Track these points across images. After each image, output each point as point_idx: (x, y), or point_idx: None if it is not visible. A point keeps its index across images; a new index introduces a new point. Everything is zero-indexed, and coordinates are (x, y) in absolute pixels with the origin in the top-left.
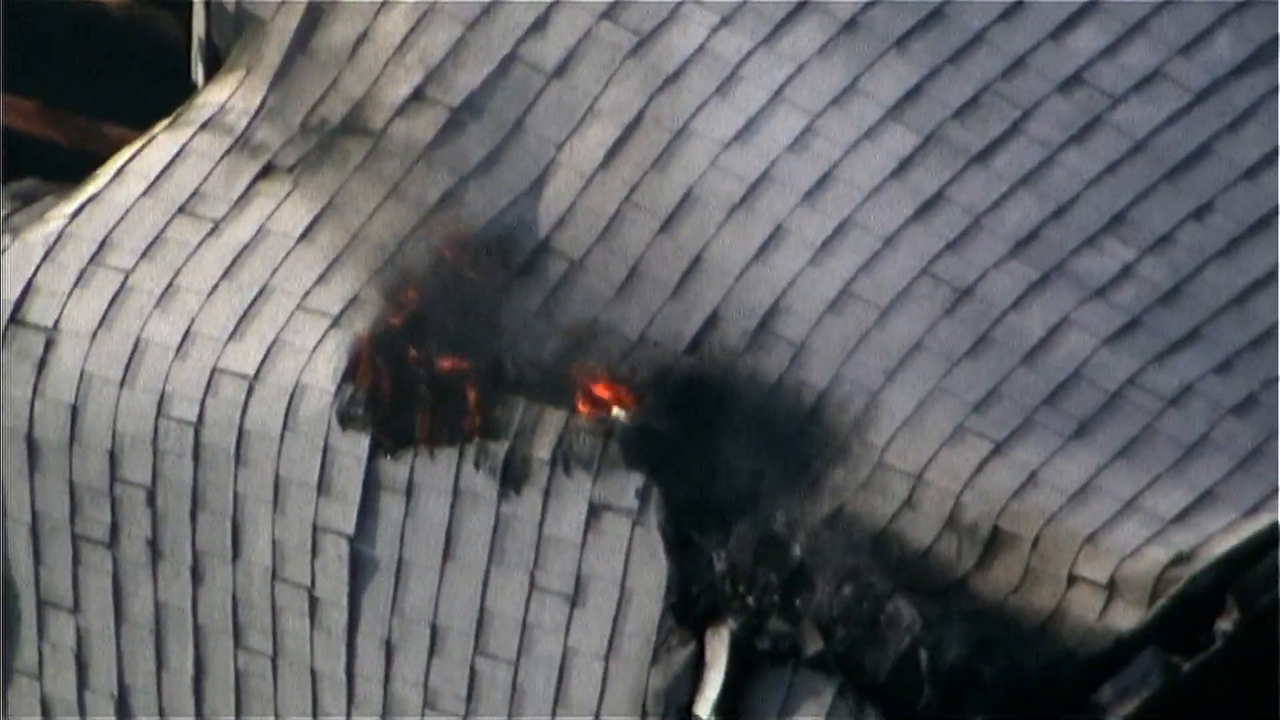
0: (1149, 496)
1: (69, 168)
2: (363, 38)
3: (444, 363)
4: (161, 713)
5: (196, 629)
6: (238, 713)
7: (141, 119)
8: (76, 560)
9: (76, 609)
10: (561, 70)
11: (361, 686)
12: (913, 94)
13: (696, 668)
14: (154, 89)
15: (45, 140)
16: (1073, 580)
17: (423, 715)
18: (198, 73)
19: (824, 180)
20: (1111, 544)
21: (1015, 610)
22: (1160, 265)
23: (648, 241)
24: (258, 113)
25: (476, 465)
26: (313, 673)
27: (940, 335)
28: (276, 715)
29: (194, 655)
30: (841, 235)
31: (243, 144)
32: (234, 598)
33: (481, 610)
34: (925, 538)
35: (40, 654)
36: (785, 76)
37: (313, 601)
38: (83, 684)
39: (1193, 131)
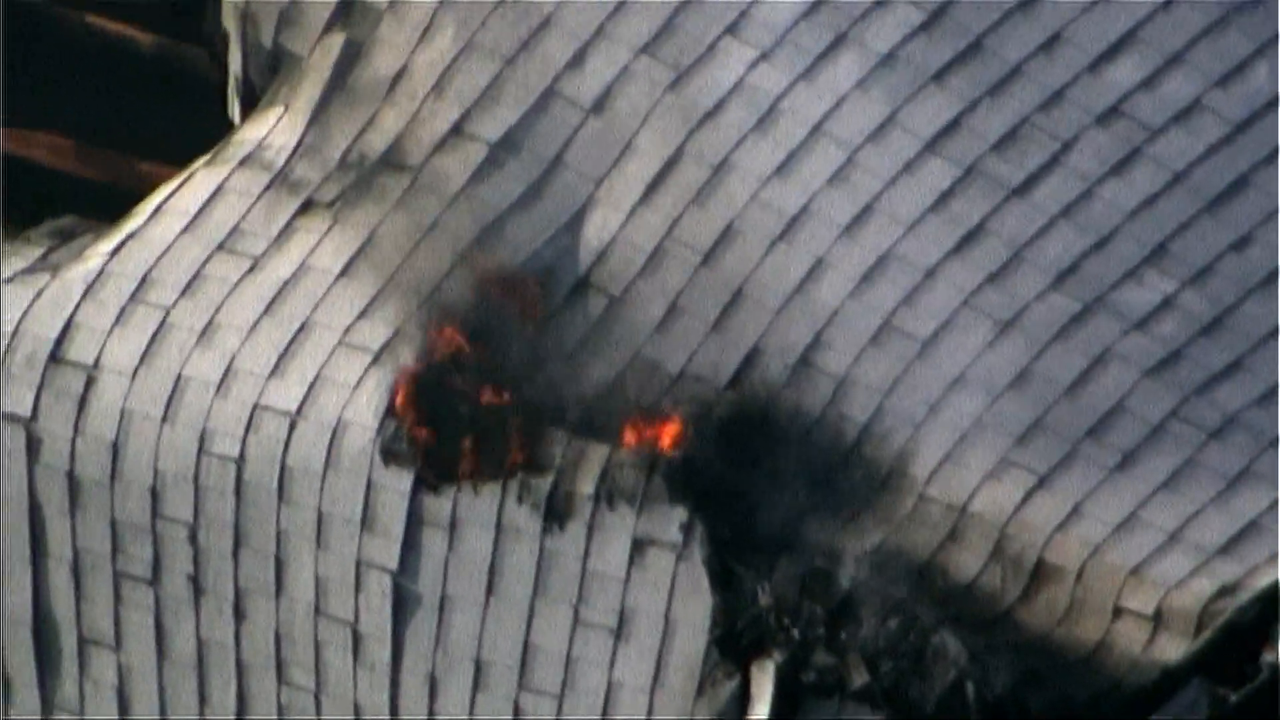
0: (1193, 528)
1: (104, 205)
2: (400, 74)
3: (486, 396)
4: None
5: (239, 665)
6: None
7: (175, 156)
8: (118, 597)
9: (118, 646)
10: (600, 106)
11: None
12: (951, 127)
13: (741, 701)
14: (187, 126)
15: (80, 177)
16: (1118, 612)
17: None
18: (234, 110)
19: (864, 213)
20: (1156, 576)
21: (1061, 642)
22: (1200, 297)
23: (688, 276)
24: (296, 149)
25: (519, 500)
26: (356, 707)
27: (982, 368)
28: None
29: (236, 691)
30: (882, 268)
31: (281, 180)
32: (277, 633)
33: (525, 645)
34: (969, 570)
35: (81, 691)
36: (824, 111)
37: (356, 637)
38: None
39: (1231, 163)
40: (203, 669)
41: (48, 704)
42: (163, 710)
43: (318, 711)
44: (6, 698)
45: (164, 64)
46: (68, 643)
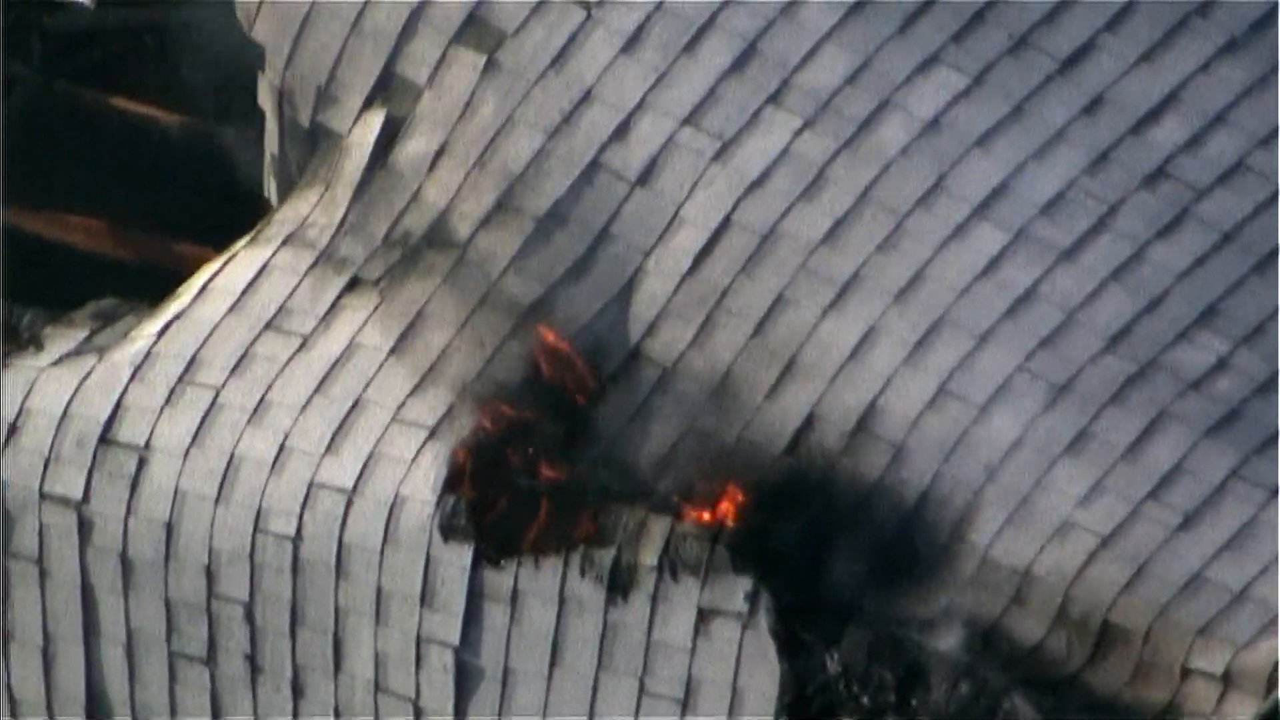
0: (1259, 586)
1: (139, 286)
2: (442, 150)
3: (545, 470)
4: None
5: None
6: None
7: (208, 236)
8: (173, 677)
9: None
10: (645, 178)
11: None
12: (999, 191)
13: None
14: (217, 206)
15: (115, 260)
16: (1186, 673)
17: None
18: (270, 188)
19: (915, 280)
20: (1225, 635)
21: (1130, 704)
22: (1254, 356)
23: (740, 346)
24: (340, 227)
25: (582, 573)
26: None
27: (1040, 431)
28: None
29: None
30: (935, 334)
31: (326, 259)
32: (336, 710)
33: (591, 717)
34: (1035, 633)
35: None
36: (871, 177)
37: (418, 712)
38: None
39: (1277, 222)
40: None
41: None
42: None
43: None
44: None
45: (191, 144)
46: None
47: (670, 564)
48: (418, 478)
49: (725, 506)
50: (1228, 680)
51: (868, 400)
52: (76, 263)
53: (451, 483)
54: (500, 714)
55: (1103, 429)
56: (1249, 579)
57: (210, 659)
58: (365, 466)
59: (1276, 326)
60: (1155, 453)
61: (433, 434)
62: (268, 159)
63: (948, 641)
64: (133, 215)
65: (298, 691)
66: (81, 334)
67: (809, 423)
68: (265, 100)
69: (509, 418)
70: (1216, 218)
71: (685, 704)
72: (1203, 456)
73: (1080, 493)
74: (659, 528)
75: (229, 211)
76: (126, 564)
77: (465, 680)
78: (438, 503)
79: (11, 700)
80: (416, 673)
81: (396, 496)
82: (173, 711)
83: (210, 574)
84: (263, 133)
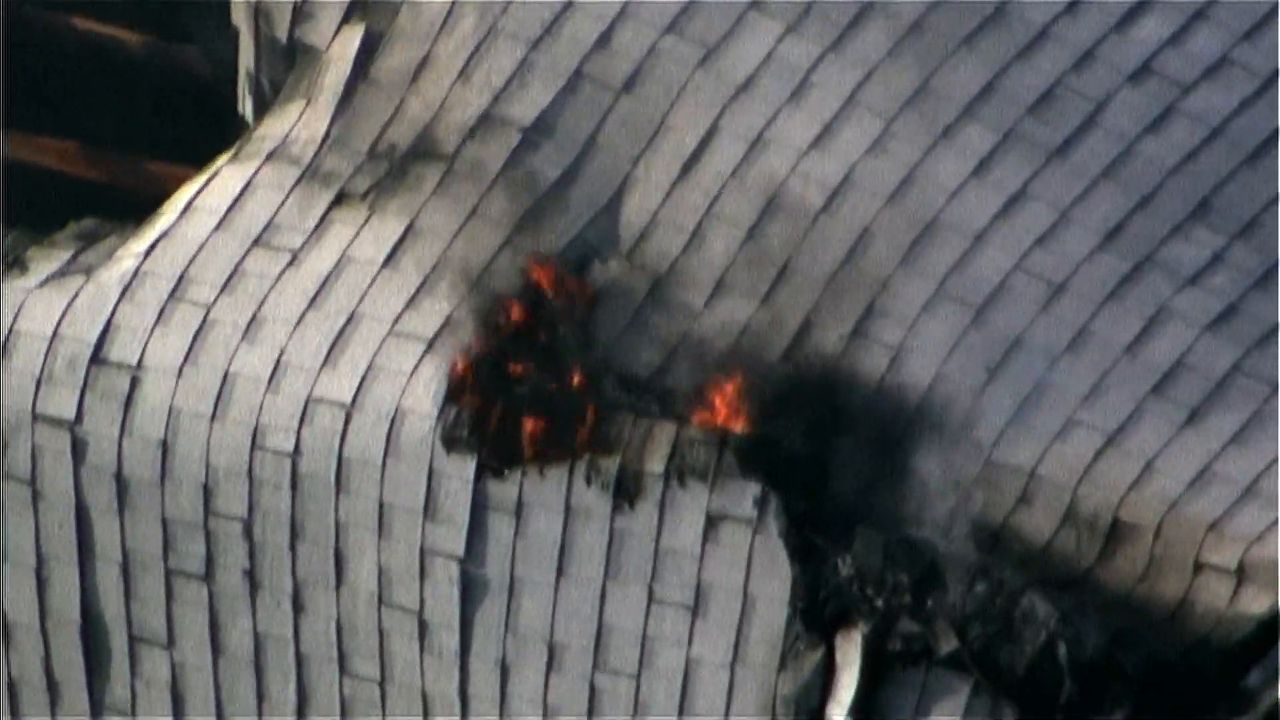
0: (1267, 480)
1: (112, 206)
2: (424, 62)
3: (547, 381)
4: None
5: (299, 658)
6: None
7: (176, 156)
8: (170, 595)
9: (171, 644)
10: (630, 85)
11: (476, 707)
12: (986, 92)
13: (826, 673)
14: (185, 125)
15: (87, 180)
16: (1199, 568)
17: None
18: (245, 106)
19: (906, 182)
20: (1236, 530)
21: (1143, 600)
22: (1249, 250)
23: (733, 252)
24: (324, 142)
25: (588, 481)
26: (424, 695)
27: (1040, 330)
28: None
29: (296, 684)
30: (929, 235)
31: (312, 174)
32: (338, 625)
33: (600, 626)
34: (1044, 533)
35: (133, 691)
36: (857, 81)
37: (422, 625)
38: (179, 718)
39: (1266, 116)
40: (260, 663)
41: (97, 705)
42: (219, 707)
43: (383, 701)
44: (54, 701)
45: (154, 63)
46: (117, 643)
47: (678, 470)
48: (418, 390)
49: (730, 412)
50: (1241, 574)
51: (864, 304)
52: (49, 185)
53: (452, 394)
54: (507, 625)
55: (1102, 327)
56: (1257, 473)
57: (208, 575)
58: (363, 380)
59: (1269, 220)
60: (1156, 349)
61: (431, 346)
62: (242, 76)
63: (956, 542)
64: (100, 136)
65: (298, 606)
66: (66, 255)
67: (806, 327)
68: (240, 17)
69: (507, 328)
70: (1203, 113)
71: (695, 610)
72: (1204, 352)
73: (1083, 391)
74: (665, 434)
75: (194, 130)
76: (121, 483)
77: (471, 591)
78: (439, 415)
79: (5, 624)
80: (421, 585)
81: (397, 409)
82: (170, 628)
83: (207, 491)
84: (222, 51)
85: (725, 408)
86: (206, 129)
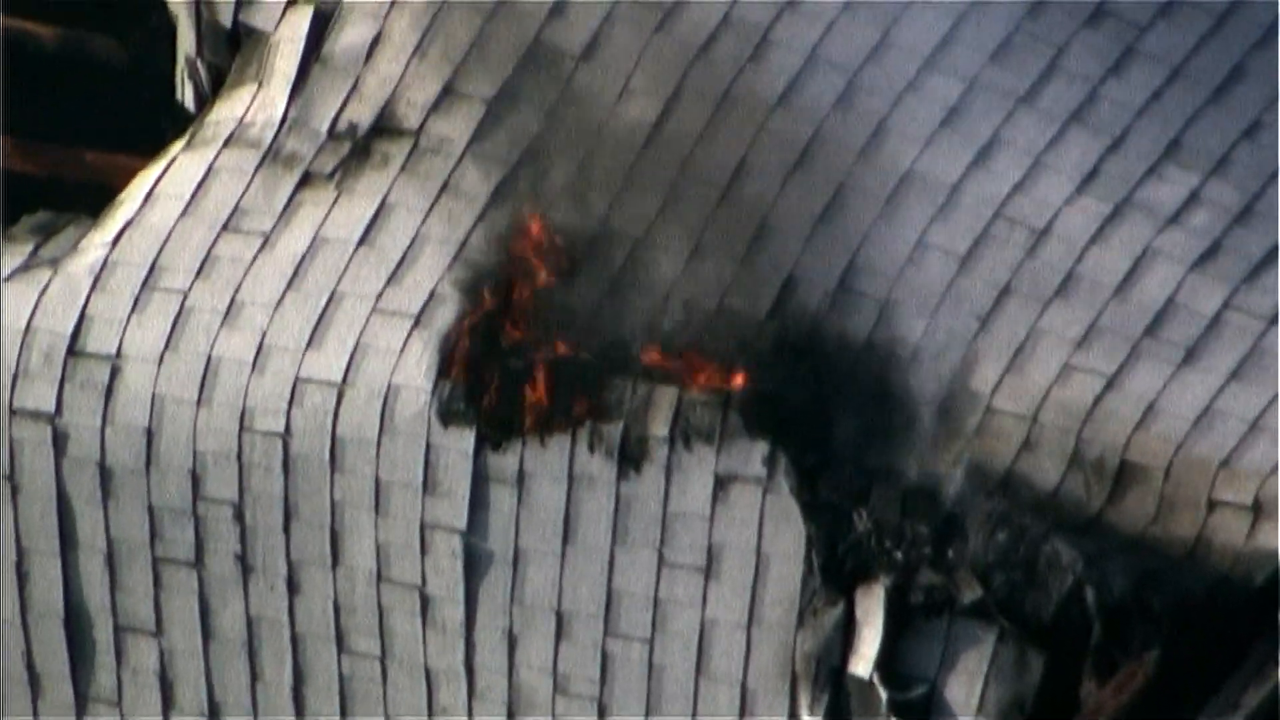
0: (1270, 415)
1: (52, 199)
2: (378, 40)
3: (538, 351)
4: None
5: (294, 638)
6: (344, 715)
7: (115, 145)
8: (158, 583)
9: (159, 631)
10: (589, 53)
11: (483, 679)
12: (947, 41)
13: (846, 628)
14: (111, 114)
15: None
16: (1213, 505)
17: (554, 701)
18: (184, 93)
19: (876, 135)
20: (1247, 465)
21: (1157, 541)
22: (1225, 187)
23: (708, 214)
24: (282, 124)
25: (590, 449)
26: (426, 670)
27: (1026, 276)
28: (387, 716)
29: (292, 664)
30: (905, 187)
31: (273, 156)
32: (335, 604)
33: (609, 592)
34: (1050, 478)
35: (119, 680)
36: (818, 36)
37: (424, 600)
38: (168, 705)
39: (1225, 52)
40: (253, 646)
41: (82, 697)
42: (210, 691)
43: (384, 677)
44: (36, 693)
45: (65, 53)
46: (102, 634)
47: (683, 433)
48: (409, 366)
49: (727, 373)
50: (1256, 509)
51: (846, 259)
52: None
53: (447, 368)
54: (513, 595)
55: (1089, 269)
56: (1261, 408)
57: (198, 561)
58: (352, 358)
59: (1243, 156)
60: (1145, 289)
61: (418, 322)
62: (181, 64)
63: (976, 490)
64: (26, 130)
65: (293, 588)
66: (27, 248)
67: (789, 285)
68: (178, 5)
69: (494, 299)
70: (1163, 52)
71: (708, 572)
72: (1193, 290)
73: (1076, 335)
74: (667, 398)
75: (119, 120)
76: (105, 473)
77: (474, 564)
78: (433, 389)
79: None
80: (422, 560)
81: (390, 386)
82: (158, 616)
83: (195, 477)
84: (137, 42)
85: (720, 370)
86: (127, 118)
